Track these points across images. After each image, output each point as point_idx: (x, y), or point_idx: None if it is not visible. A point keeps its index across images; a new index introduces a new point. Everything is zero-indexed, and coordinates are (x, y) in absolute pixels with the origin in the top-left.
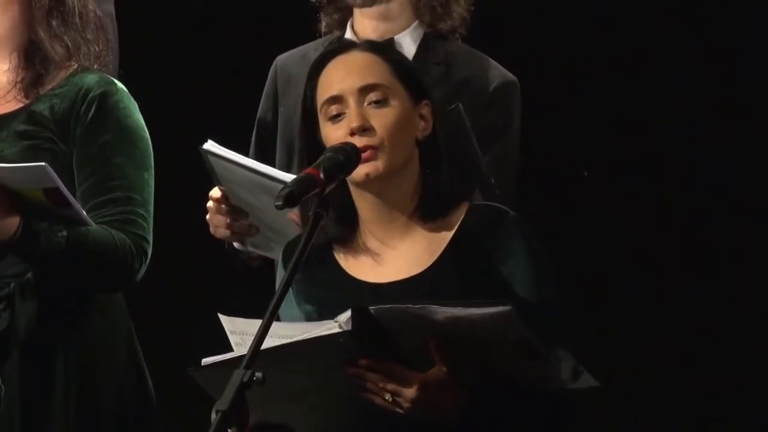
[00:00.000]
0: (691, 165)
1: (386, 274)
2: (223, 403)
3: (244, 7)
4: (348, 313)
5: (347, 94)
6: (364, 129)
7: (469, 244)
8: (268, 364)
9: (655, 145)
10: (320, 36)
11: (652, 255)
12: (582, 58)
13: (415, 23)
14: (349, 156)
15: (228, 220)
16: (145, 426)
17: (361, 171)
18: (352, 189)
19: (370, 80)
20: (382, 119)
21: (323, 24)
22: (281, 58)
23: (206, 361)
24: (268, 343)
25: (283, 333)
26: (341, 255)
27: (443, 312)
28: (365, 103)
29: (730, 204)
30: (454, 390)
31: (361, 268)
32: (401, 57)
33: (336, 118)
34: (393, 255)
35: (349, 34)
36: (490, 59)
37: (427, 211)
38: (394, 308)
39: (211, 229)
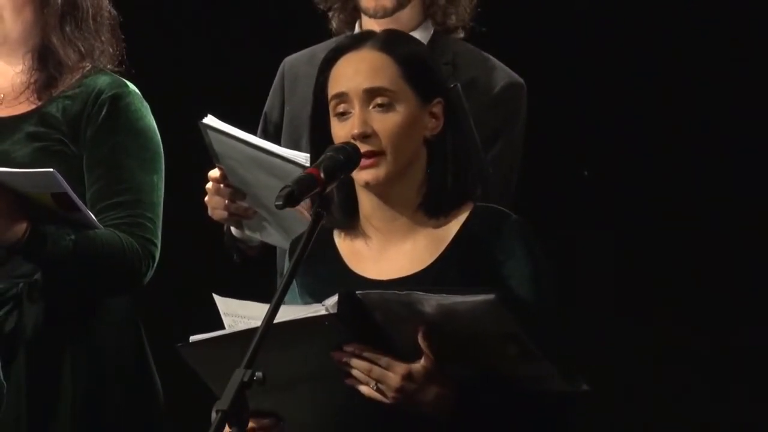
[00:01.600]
0: (693, 165)
1: (387, 271)
2: (223, 403)
3: (251, 7)
4: (335, 298)
5: (353, 94)
6: (365, 136)
7: (470, 244)
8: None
9: (657, 144)
10: (331, 36)
11: (653, 255)
12: (583, 57)
13: (424, 24)
14: (350, 156)
15: (226, 201)
16: (152, 426)
17: (361, 177)
18: (357, 184)
19: (375, 83)
20: (385, 124)
21: (333, 24)
22: (289, 60)
23: (195, 338)
24: (255, 325)
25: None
26: (344, 250)
27: (428, 300)
28: (370, 106)
29: (731, 204)
30: (440, 383)
31: (363, 264)
32: (415, 54)
33: (342, 116)
34: (395, 252)
35: None
36: (496, 60)
37: (430, 210)
38: (381, 294)
39: (209, 211)
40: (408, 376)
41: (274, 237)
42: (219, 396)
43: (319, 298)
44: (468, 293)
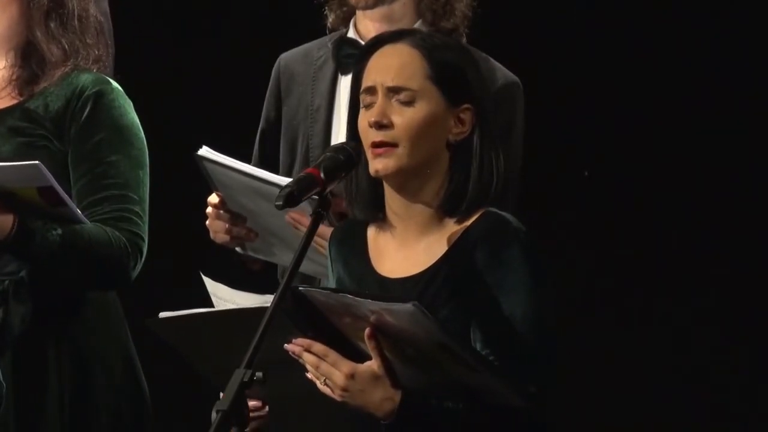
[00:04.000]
0: (693, 165)
1: (397, 270)
2: (223, 403)
3: (245, 4)
4: None
5: (378, 88)
6: (381, 125)
7: (464, 250)
8: (217, 327)
9: (657, 145)
10: (327, 33)
11: (653, 255)
12: (582, 56)
13: (418, 23)
14: (350, 155)
15: (227, 226)
16: (140, 425)
17: (372, 166)
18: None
19: (398, 82)
20: (402, 117)
21: (329, 21)
22: (284, 57)
23: (164, 315)
24: (231, 306)
25: (240, 301)
26: (371, 243)
27: (360, 303)
28: (393, 99)
29: (731, 204)
30: (386, 386)
31: (381, 259)
32: (450, 56)
33: (368, 107)
34: (408, 251)
35: (352, 33)
36: (492, 60)
37: (447, 213)
38: (326, 294)
39: (211, 235)
40: (352, 376)
41: (279, 257)
42: (195, 367)
43: (341, 283)
44: (389, 300)
